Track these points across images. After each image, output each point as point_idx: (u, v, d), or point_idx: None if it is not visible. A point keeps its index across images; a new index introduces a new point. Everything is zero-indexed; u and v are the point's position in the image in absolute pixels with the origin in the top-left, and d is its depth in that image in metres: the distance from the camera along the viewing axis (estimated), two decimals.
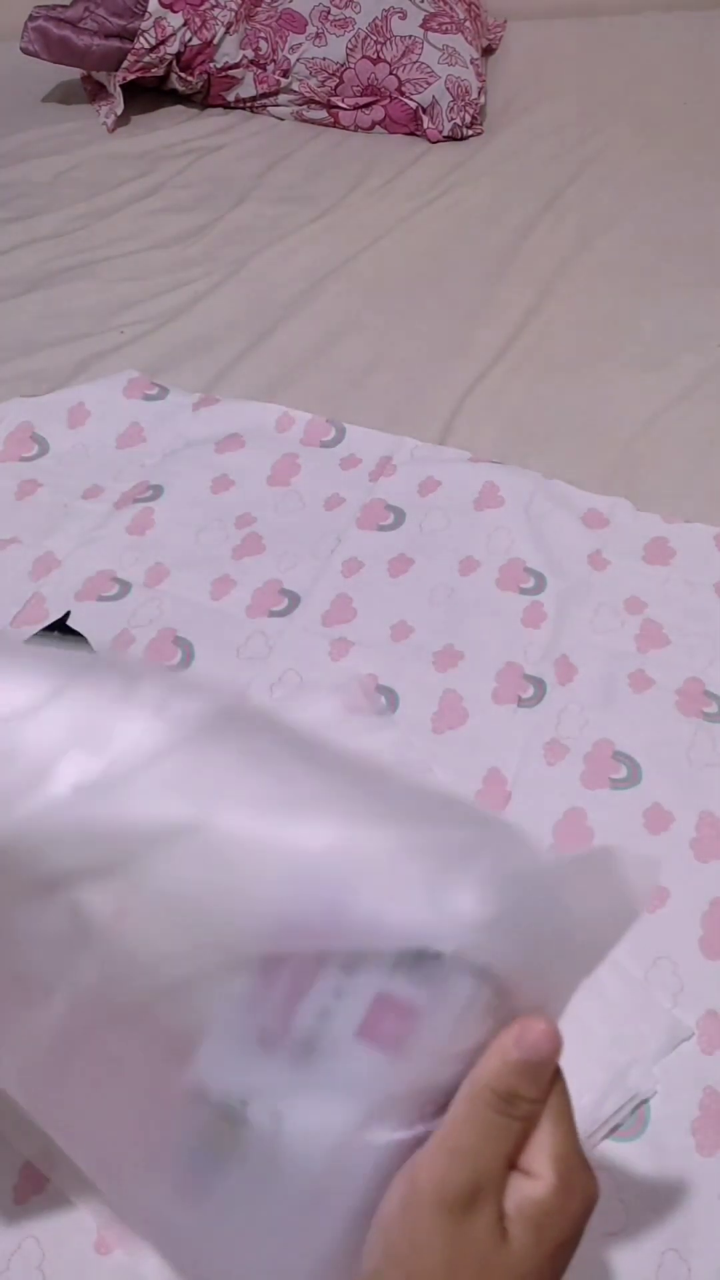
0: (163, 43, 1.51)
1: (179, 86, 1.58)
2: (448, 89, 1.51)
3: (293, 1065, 0.35)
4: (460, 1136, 0.32)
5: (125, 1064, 0.38)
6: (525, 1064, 0.33)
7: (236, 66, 1.56)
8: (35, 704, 0.38)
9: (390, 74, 1.53)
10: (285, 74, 1.56)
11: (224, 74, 1.56)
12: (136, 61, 1.51)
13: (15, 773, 0.36)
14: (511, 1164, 0.33)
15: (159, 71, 1.55)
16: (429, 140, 1.52)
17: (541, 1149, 0.33)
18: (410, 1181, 0.32)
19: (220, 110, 1.60)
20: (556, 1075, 0.35)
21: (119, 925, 0.36)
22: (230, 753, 0.38)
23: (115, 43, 1.51)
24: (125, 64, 1.51)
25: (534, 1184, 0.33)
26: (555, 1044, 0.34)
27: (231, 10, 1.54)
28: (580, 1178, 0.33)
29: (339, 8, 1.54)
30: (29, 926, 0.37)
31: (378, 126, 1.55)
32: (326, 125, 1.56)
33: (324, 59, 1.54)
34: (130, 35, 1.51)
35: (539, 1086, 0.33)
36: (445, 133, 1.52)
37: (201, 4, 1.53)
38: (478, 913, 0.35)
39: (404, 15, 1.54)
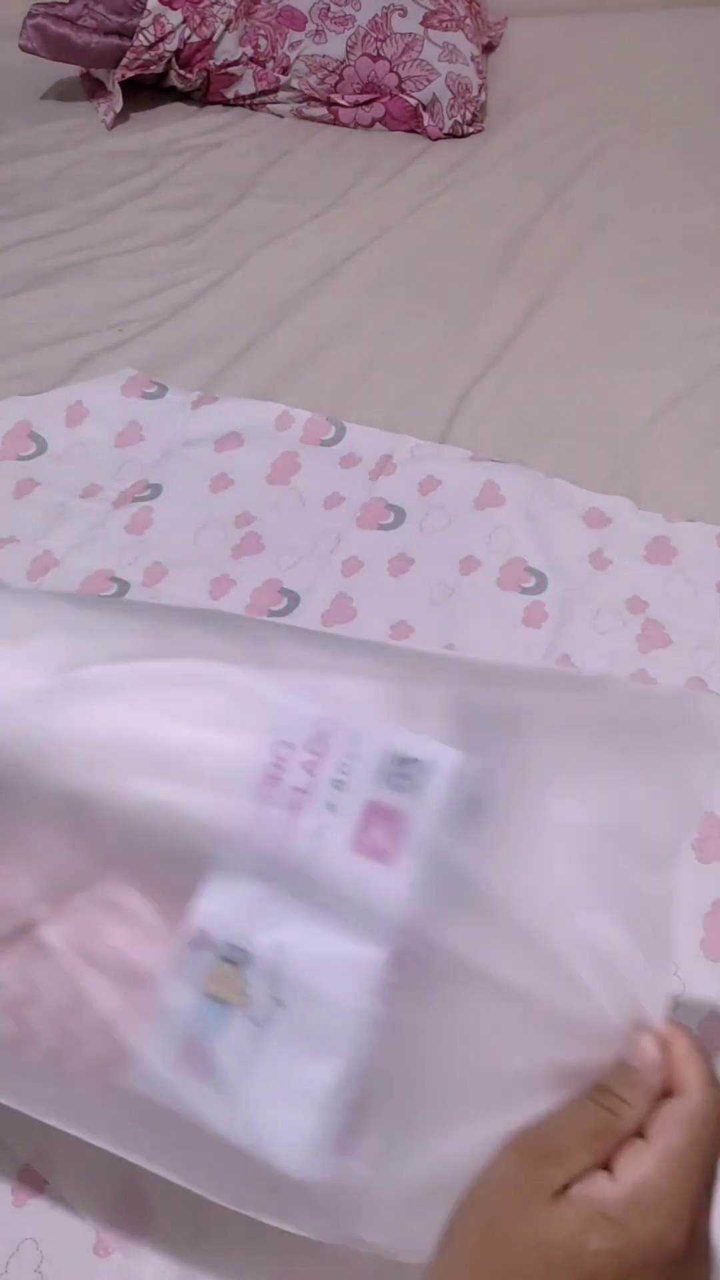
0: (162, 40, 1.51)
1: (178, 84, 1.57)
2: (448, 86, 1.51)
3: (294, 892, 0.37)
4: (555, 1108, 0.36)
5: (123, 928, 0.39)
6: (622, 1065, 0.36)
7: (236, 64, 1.55)
8: None
9: (390, 71, 1.52)
10: (285, 71, 1.55)
11: (223, 71, 1.55)
12: (135, 59, 1.51)
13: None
14: (600, 1160, 0.35)
15: (158, 69, 1.54)
16: (429, 138, 1.52)
17: (638, 1165, 0.34)
18: (506, 1139, 0.36)
19: (219, 107, 1.59)
20: (690, 1121, 0.35)
21: (120, 794, 0.38)
22: (200, 630, 0.42)
23: (114, 40, 1.51)
24: (124, 61, 1.50)
25: (611, 1187, 0.34)
26: (654, 1064, 0.36)
27: (231, 7, 1.54)
28: (660, 1219, 0.33)
29: (339, 5, 1.54)
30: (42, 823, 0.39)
31: (378, 124, 1.55)
32: (326, 123, 1.56)
33: (324, 56, 1.53)
34: (129, 32, 1.50)
35: (632, 1091, 0.36)
36: (446, 130, 1.51)
37: (200, 1, 1.53)
38: (448, 721, 0.38)
39: (404, 12, 1.53)
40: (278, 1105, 0.36)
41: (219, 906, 0.37)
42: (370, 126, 1.55)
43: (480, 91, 1.54)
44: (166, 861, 0.38)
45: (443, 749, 0.37)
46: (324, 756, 0.37)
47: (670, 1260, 0.33)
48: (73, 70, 1.60)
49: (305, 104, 1.57)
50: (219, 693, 0.39)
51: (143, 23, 1.50)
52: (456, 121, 1.51)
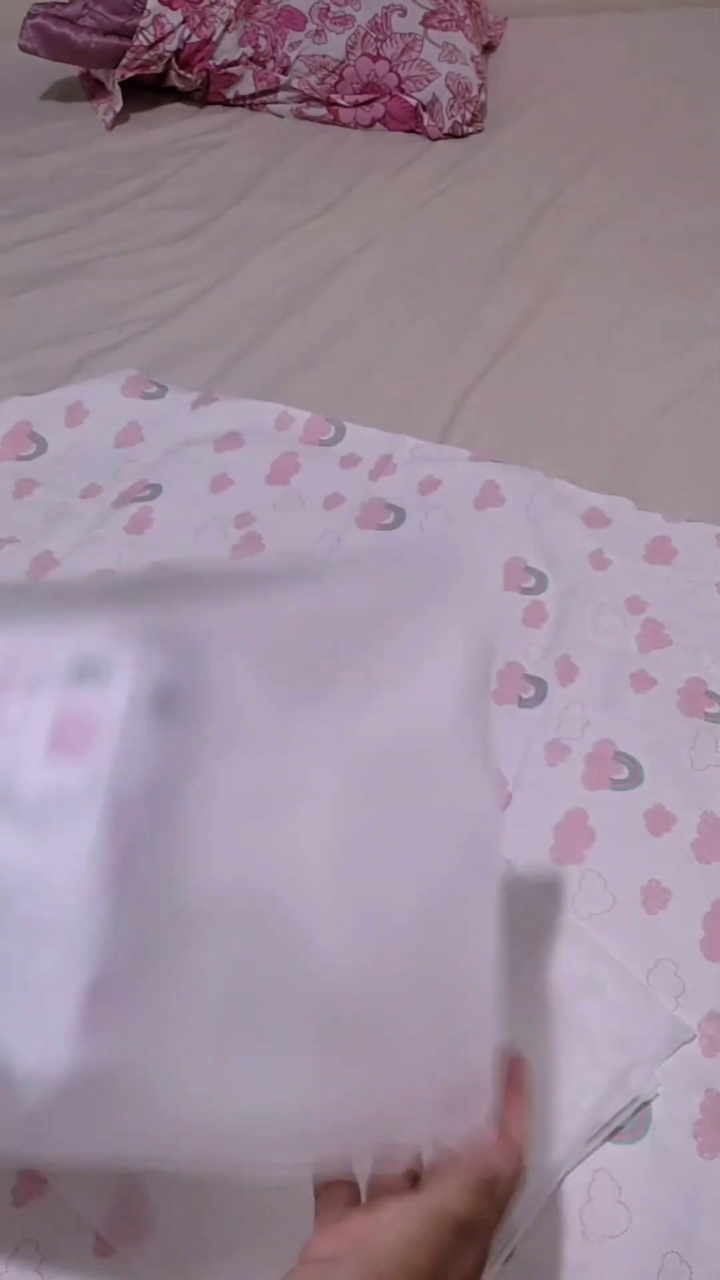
0: (161, 40, 1.51)
1: (178, 84, 1.57)
2: (448, 86, 1.50)
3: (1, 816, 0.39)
4: (418, 1256, 0.31)
5: None
6: (484, 1183, 0.32)
7: (236, 64, 1.55)
8: None
9: (390, 71, 1.52)
10: (285, 71, 1.55)
11: (223, 71, 1.55)
12: (135, 59, 1.51)
13: None
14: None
15: (158, 69, 1.54)
16: (429, 138, 1.52)
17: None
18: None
19: (219, 108, 1.59)
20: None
21: None
22: None
23: (114, 40, 1.51)
24: (124, 61, 1.50)
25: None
26: (512, 1160, 0.32)
27: (231, 7, 1.54)
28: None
29: (339, 5, 1.54)
30: None
31: (378, 124, 1.55)
32: (326, 123, 1.56)
33: (324, 56, 1.53)
34: (129, 32, 1.50)
35: (499, 1202, 0.32)
36: (445, 130, 1.51)
37: (200, 1, 1.53)
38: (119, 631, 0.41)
39: (404, 12, 1.53)
40: (16, 1006, 0.38)
41: None
42: (370, 126, 1.55)
43: (480, 91, 1.54)
44: None
45: (127, 646, 0.40)
46: (11, 679, 0.40)
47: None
48: (73, 70, 1.60)
49: (305, 104, 1.57)
50: None
51: (143, 23, 1.50)
52: (456, 121, 1.51)
